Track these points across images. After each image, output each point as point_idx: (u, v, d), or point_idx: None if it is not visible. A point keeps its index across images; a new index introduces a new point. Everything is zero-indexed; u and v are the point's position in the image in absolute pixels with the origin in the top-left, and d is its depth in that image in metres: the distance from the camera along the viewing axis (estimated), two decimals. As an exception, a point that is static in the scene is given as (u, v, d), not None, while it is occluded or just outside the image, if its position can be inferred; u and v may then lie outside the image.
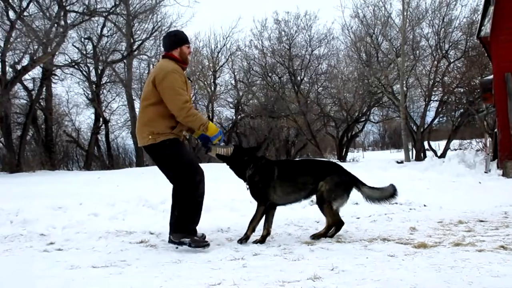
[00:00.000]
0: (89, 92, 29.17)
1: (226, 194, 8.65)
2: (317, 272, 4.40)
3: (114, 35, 27.52)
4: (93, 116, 29.54)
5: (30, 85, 25.61)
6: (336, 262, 4.76)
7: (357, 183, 6.38)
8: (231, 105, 33.70)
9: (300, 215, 7.73)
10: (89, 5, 23.48)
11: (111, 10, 24.12)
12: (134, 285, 4.18)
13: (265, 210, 6.19)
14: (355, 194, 6.45)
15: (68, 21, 23.13)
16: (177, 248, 5.74)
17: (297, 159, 7.93)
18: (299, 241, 5.91)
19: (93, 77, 28.44)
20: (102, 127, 29.23)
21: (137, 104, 29.37)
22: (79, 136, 32.18)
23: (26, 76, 23.88)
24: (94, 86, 27.99)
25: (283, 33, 30.99)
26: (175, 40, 6.16)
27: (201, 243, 5.72)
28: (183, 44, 6.14)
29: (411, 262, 4.72)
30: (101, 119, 28.71)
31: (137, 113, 25.77)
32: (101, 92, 29.10)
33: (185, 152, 6.12)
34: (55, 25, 21.54)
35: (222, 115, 34.72)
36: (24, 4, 21.28)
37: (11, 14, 21.13)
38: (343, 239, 5.96)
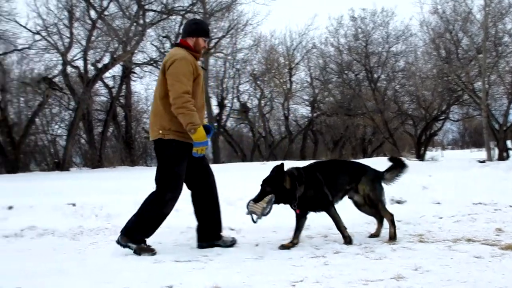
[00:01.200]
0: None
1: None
2: (401, 271, 4.34)
3: (191, 33, 27.88)
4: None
5: (110, 83, 26.32)
6: (420, 262, 4.68)
7: (383, 176, 6.35)
8: (306, 102, 33.60)
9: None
10: (167, 4, 23.87)
11: (188, 9, 24.42)
12: (217, 280, 4.22)
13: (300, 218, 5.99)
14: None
15: (147, 20, 23.57)
16: (257, 245, 5.76)
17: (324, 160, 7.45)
18: (380, 240, 5.85)
19: (171, 75, 28.90)
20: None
21: (213, 102, 29.78)
22: (158, 133, 32.75)
23: (107, 74, 24.53)
24: (172, 83, 28.45)
25: (359, 30, 30.64)
26: (195, 29, 5.91)
27: (147, 250, 5.53)
28: (201, 36, 5.89)
29: (499, 264, 4.60)
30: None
31: (213, 110, 26.15)
32: (178, 89, 29.54)
33: (182, 164, 5.74)
34: (134, 24, 22.02)
35: (297, 113, 34.71)
36: (105, 3, 21.85)
37: (93, 13, 21.75)
38: (425, 239, 5.85)
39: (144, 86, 35.48)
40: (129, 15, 22.18)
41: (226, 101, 30.96)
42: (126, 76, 26.01)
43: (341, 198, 6.22)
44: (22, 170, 20.66)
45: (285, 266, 4.77)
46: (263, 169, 7.97)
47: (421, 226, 6.68)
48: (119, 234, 5.65)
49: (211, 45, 26.83)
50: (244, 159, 29.87)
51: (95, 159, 23.01)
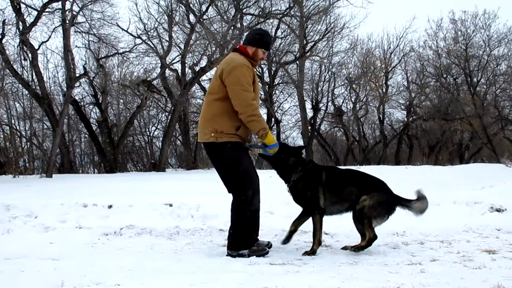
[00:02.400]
0: (262, 93, 29.91)
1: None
2: (501, 282, 4.22)
3: (288, 36, 27.95)
4: (265, 116, 30.26)
5: (206, 86, 26.73)
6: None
7: (401, 202, 5.95)
8: (402, 106, 33.05)
9: (480, 222, 7.43)
10: (264, 7, 24.03)
11: (285, 12, 24.50)
12: (312, 284, 4.24)
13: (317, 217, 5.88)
14: None
15: (244, 24, 23.82)
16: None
17: (343, 167, 7.12)
18: (479, 249, 5.70)
19: (266, 78, 29.09)
20: (273, 127, 29.85)
21: (308, 105, 29.76)
22: (251, 135, 33.09)
23: (204, 77, 24.93)
24: (267, 86, 28.64)
25: (459, 33, 29.91)
26: (258, 40, 5.92)
27: (260, 251, 5.66)
28: (261, 47, 5.93)
29: None
30: (273, 119, 29.30)
31: (308, 113, 26.13)
32: (273, 92, 29.70)
33: (244, 161, 5.80)
34: (232, 27, 22.28)
35: (393, 117, 34.19)
36: (204, 8, 22.21)
37: (192, 17, 22.19)
38: (525, 249, 5.67)
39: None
40: (227, 19, 22.47)
41: (320, 105, 30.82)
42: (222, 79, 26.38)
43: (347, 209, 5.94)
44: (120, 170, 21.34)
45: (381, 272, 4.74)
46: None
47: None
48: (228, 250, 5.72)
49: (307, 48, 26.85)
50: (337, 163, 29.69)
51: (190, 161, 23.47)
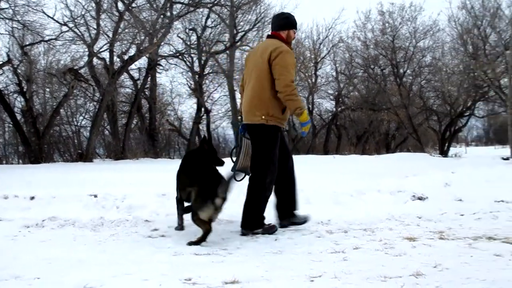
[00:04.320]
0: (192, 82, 29.75)
1: (328, 187, 8.60)
2: (420, 269, 4.32)
3: (218, 26, 27.92)
4: (195, 106, 30.18)
5: (135, 75, 26.48)
6: (439, 259, 4.65)
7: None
8: (331, 97, 33.56)
9: (402, 210, 7.59)
10: (194, -4, 23.91)
11: (216, 2, 24.42)
12: (236, 274, 4.23)
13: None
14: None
15: (174, 13, 23.61)
16: (276, 240, 5.77)
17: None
18: (400, 237, 5.80)
19: (196, 68, 28.96)
20: (203, 117, 29.75)
21: (238, 95, 29.75)
22: (181, 125, 32.94)
23: (132, 66, 24.65)
24: (197, 76, 28.50)
25: (387, 24, 30.57)
26: (287, 23, 6.40)
27: (271, 229, 6.14)
28: (292, 28, 6.40)
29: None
30: (202, 109, 29.20)
31: (237, 103, 26.11)
32: (203, 82, 29.61)
33: (276, 148, 6.23)
34: (161, 16, 22.04)
35: (322, 107, 34.65)
36: (133, -5, 21.90)
37: (120, 5, 21.78)
38: (446, 236, 5.81)
39: (170, 78, 35.67)
40: (156, 7, 22.19)
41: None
42: (152, 68, 26.16)
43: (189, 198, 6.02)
44: (45, 160, 20.83)
45: (304, 261, 4.77)
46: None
47: (442, 223, 6.64)
48: (240, 228, 6.19)
49: (238, 38, 26.84)
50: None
51: (118, 151, 23.17)
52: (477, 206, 7.64)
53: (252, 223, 6.14)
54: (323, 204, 7.67)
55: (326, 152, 29.79)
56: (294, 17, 6.55)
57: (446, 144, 29.92)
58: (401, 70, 30.64)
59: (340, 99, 32.87)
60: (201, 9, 25.53)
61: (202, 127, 30.67)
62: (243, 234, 6.10)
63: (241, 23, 27.81)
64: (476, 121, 39.77)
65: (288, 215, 6.54)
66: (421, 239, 5.63)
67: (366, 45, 31.12)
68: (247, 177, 6.29)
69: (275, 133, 6.17)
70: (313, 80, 32.37)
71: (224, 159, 6.36)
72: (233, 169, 6.16)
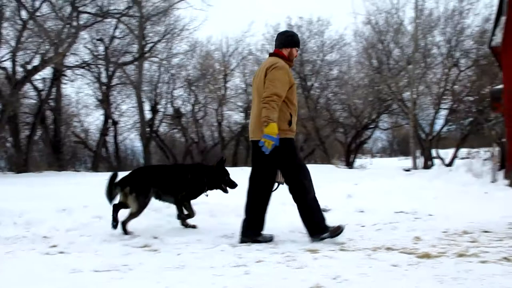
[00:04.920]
0: (99, 93, 29.24)
1: (232, 199, 8.60)
2: (320, 280, 4.39)
3: (126, 37, 27.61)
4: (102, 117, 29.63)
5: (40, 85, 25.70)
6: (339, 271, 4.73)
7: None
8: (241, 109, 33.65)
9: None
10: (102, 6, 23.56)
11: (124, 12, 24.17)
12: (135, 290, 4.17)
13: None
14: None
15: (81, 22, 23.19)
16: (179, 254, 5.71)
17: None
18: (302, 249, 5.86)
19: (104, 78, 28.51)
20: (111, 129, 29.27)
21: (147, 107, 29.50)
22: (88, 137, 32.25)
23: (37, 76, 23.97)
24: (104, 87, 28.06)
25: (295, 38, 30.98)
26: (291, 41, 6.59)
27: (336, 230, 6.27)
28: (295, 46, 6.60)
29: (414, 272, 4.70)
30: (110, 121, 28.74)
31: (146, 115, 25.81)
32: (111, 93, 29.16)
33: (297, 155, 6.53)
34: (67, 25, 21.60)
35: (231, 119, 34.72)
36: (37, 4, 21.36)
37: (24, 14, 21.20)
38: (347, 247, 5.92)
39: (75, 89, 34.88)
40: (62, 17, 21.72)
41: (159, 106, 30.67)
42: (57, 78, 25.50)
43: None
44: None
45: (206, 275, 4.74)
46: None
47: (343, 235, 6.75)
48: (310, 238, 6.34)
49: (146, 49, 26.63)
50: (176, 164, 29.69)
51: (21, 164, 22.42)
52: (378, 217, 7.85)
53: (316, 228, 6.31)
54: (226, 217, 7.67)
55: (234, 164, 29.86)
56: (298, 36, 6.78)
57: (352, 156, 30.62)
58: (309, 83, 31.13)
59: (249, 111, 33.05)
60: (109, 19, 25.16)
61: (109, 139, 30.18)
62: (314, 241, 6.26)
63: (150, 34, 27.66)
64: (380, 133, 40.84)
65: (255, 234, 6.48)
66: (323, 251, 5.71)
67: (272, 57, 31.46)
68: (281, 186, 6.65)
69: (288, 144, 6.32)
70: (223, 92, 32.43)
71: None
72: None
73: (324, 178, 12.48)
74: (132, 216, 6.94)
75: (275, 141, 6.06)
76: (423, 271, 4.71)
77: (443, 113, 26.00)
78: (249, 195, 6.52)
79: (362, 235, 6.79)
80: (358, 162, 32.05)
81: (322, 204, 8.09)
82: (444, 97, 25.40)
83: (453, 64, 24.87)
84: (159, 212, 7.90)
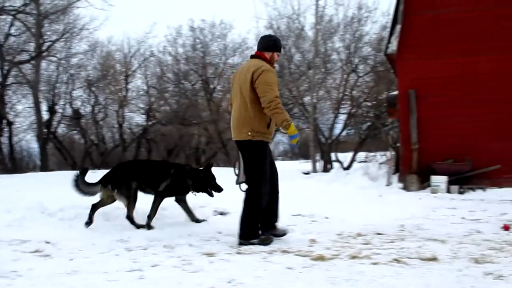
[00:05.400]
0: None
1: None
2: (215, 284, 4.39)
3: (23, 35, 26.67)
4: (-2, 118, 28.52)
5: None
6: (235, 274, 4.75)
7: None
8: (142, 111, 33.22)
9: (204, 225, 7.69)
10: (-4, 2, 22.71)
11: (20, 9, 23.37)
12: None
13: None
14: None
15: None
16: (72, 260, 5.56)
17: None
18: (199, 252, 5.85)
19: (-2, 78, 27.47)
20: (5, 130, 28.22)
21: (44, 107, 28.63)
22: (-20, 138, 30.98)
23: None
24: (-1, 86, 27.06)
25: (197, 40, 30.94)
26: (273, 45, 6.78)
27: (267, 240, 6.46)
28: (277, 51, 6.85)
29: (308, 274, 4.78)
30: (4, 121, 27.71)
31: (43, 116, 25.04)
32: (5, 93, 28.10)
33: (266, 161, 6.60)
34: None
35: (132, 121, 34.20)
36: None
37: None
38: (243, 251, 5.96)
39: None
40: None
41: (57, 107, 29.78)
42: None
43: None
44: None
45: (99, 280, 4.64)
46: (94, 177, 7.77)
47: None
48: (238, 239, 6.43)
49: (44, 47, 25.88)
50: (74, 166, 28.92)
51: None
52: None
53: (249, 233, 6.42)
54: (123, 221, 7.54)
55: (136, 166, 29.44)
56: (280, 41, 7.02)
57: (254, 159, 30.82)
58: (211, 86, 31.17)
59: (151, 113, 32.69)
60: (4, 16, 24.26)
61: (4, 140, 29.08)
62: (240, 244, 6.34)
63: (48, 33, 26.87)
64: (282, 136, 41.36)
65: (269, 227, 6.73)
66: (219, 254, 5.72)
67: (177, 60, 31.29)
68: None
69: (262, 147, 6.53)
70: (124, 93, 31.94)
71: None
72: (237, 182, 6.84)
73: (225, 181, 12.49)
74: (129, 209, 7.47)
75: (298, 135, 6.63)
76: (317, 273, 4.79)
77: (342, 117, 26.62)
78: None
79: (259, 238, 6.84)
80: (259, 165, 32.28)
81: (221, 207, 8.23)
82: (343, 102, 25.98)
83: (351, 70, 25.48)
84: (53, 216, 7.66)
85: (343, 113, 26.65)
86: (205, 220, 7.93)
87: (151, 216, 7.49)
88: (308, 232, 7.22)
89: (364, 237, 6.84)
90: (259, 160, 6.53)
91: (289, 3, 26.55)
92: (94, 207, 7.47)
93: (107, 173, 7.80)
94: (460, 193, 13.11)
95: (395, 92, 16.58)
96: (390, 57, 15.81)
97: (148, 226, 7.39)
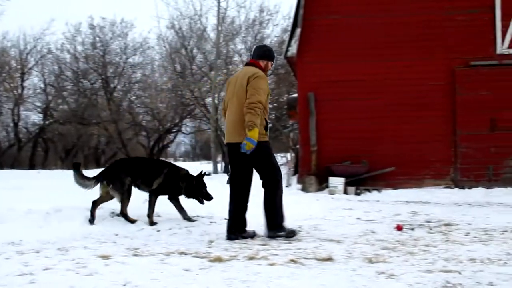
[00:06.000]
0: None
1: (24, 204, 8.18)
2: (109, 287, 4.28)
3: None
4: None
5: None
6: (130, 277, 4.66)
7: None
8: (39, 109, 32.32)
9: (101, 227, 7.50)
10: None
11: None
12: None
13: None
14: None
15: None
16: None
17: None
18: (94, 255, 5.70)
19: None
20: None
21: None
22: None
23: None
24: None
25: (97, 38, 30.42)
26: (268, 55, 7.21)
27: (292, 232, 6.90)
28: (271, 60, 7.24)
29: (205, 276, 4.75)
30: None
31: None
32: None
33: (273, 156, 7.09)
34: None
35: (28, 120, 33.23)
36: None
37: None
38: (140, 252, 5.86)
39: None
40: None
41: None
42: None
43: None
44: None
45: (-14, 286, 4.45)
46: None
47: (138, 239, 6.69)
48: (267, 231, 6.91)
49: None
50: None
51: None
52: (173, 222, 7.90)
53: (277, 225, 6.87)
54: (16, 223, 7.27)
55: (32, 166, 28.61)
56: (273, 52, 7.45)
57: (155, 159, 30.57)
58: (112, 85, 30.72)
59: (48, 112, 31.85)
60: None
61: None
62: (270, 237, 6.85)
63: None
64: (184, 137, 41.29)
65: (241, 231, 7.02)
66: (115, 257, 5.60)
67: (76, 58, 30.65)
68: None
69: (265, 146, 6.86)
70: (19, 91, 30.95)
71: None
72: (228, 182, 7.61)
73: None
74: (122, 204, 7.84)
75: (255, 145, 6.59)
76: (214, 275, 4.78)
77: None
78: (231, 196, 7.06)
79: (157, 239, 6.77)
80: (160, 166, 32.09)
81: (118, 209, 8.09)
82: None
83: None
84: None
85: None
86: (196, 220, 8.26)
87: (150, 214, 7.85)
88: (206, 233, 7.20)
89: (262, 238, 6.88)
90: (268, 157, 6.94)
91: (191, 3, 26.60)
92: (95, 204, 7.82)
93: (104, 169, 8.33)
94: (357, 194, 13.50)
95: (295, 95, 16.84)
96: (290, 60, 16.04)
97: (151, 223, 7.76)
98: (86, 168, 26.72)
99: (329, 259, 5.47)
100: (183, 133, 35.03)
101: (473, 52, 14.74)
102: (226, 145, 7.19)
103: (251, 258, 5.48)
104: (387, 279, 4.63)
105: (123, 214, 7.82)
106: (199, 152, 64.44)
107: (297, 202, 10.58)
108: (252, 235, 7.00)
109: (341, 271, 4.93)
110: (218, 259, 5.41)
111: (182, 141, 50.68)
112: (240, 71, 7.29)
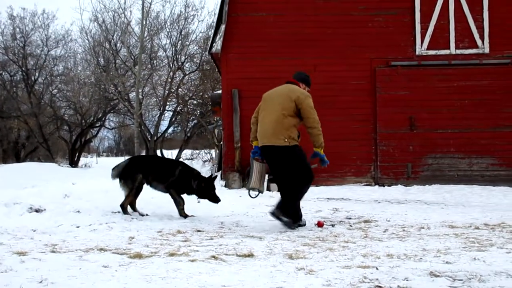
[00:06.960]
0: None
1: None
2: (24, 284, 4.19)
3: None
4: None
5: None
6: (47, 274, 4.56)
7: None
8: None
9: (17, 223, 7.30)
10: None
11: None
12: None
13: None
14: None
15: None
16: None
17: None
18: (10, 252, 5.57)
19: None
20: None
21: None
22: None
23: None
24: None
25: (17, 29, 29.63)
26: (308, 82, 8.14)
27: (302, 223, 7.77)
28: (308, 86, 8.13)
29: (124, 273, 4.70)
30: None
31: None
32: None
33: (306, 158, 7.80)
34: None
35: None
36: None
37: None
38: (58, 249, 5.74)
39: None
40: None
41: None
42: None
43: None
44: None
45: None
46: None
47: (56, 236, 6.57)
48: (275, 209, 7.56)
49: None
50: None
51: None
52: (94, 218, 7.76)
53: (297, 216, 7.70)
54: None
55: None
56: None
57: (77, 154, 30.04)
58: (33, 78, 29.99)
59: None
60: None
61: None
62: (290, 227, 7.47)
63: None
64: (107, 132, 40.77)
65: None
66: (32, 253, 5.47)
67: (-5, 49, 29.81)
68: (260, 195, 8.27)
69: (300, 150, 7.73)
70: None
71: None
72: (247, 186, 8.14)
73: (41, 177, 12.09)
74: (126, 198, 8.33)
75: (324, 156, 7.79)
76: (133, 271, 4.73)
77: (168, 115, 26.70)
78: (284, 189, 7.74)
79: (76, 236, 6.65)
80: (83, 161, 31.58)
81: (36, 204, 7.92)
82: (169, 99, 26.06)
83: (178, 68, 25.63)
84: None
85: (169, 111, 26.77)
86: (194, 215, 8.57)
87: (180, 208, 8.54)
88: (127, 230, 7.12)
89: (184, 234, 6.87)
90: (302, 159, 7.70)
91: (115, -4, 26.23)
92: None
93: (118, 166, 8.64)
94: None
95: (219, 91, 16.87)
96: (215, 56, 16.04)
97: (185, 216, 8.43)
98: (5, 162, 26.03)
99: (250, 255, 5.51)
100: (107, 128, 34.62)
101: (393, 53, 15.18)
102: (261, 147, 7.83)
103: (172, 255, 5.46)
104: (307, 275, 4.70)
105: (122, 206, 8.26)
106: (123, 148, 63.66)
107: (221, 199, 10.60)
108: (304, 224, 7.76)
109: (261, 267, 4.97)
110: (138, 256, 5.36)
111: (105, 136, 50.07)
112: (283, 86, 8.04)
